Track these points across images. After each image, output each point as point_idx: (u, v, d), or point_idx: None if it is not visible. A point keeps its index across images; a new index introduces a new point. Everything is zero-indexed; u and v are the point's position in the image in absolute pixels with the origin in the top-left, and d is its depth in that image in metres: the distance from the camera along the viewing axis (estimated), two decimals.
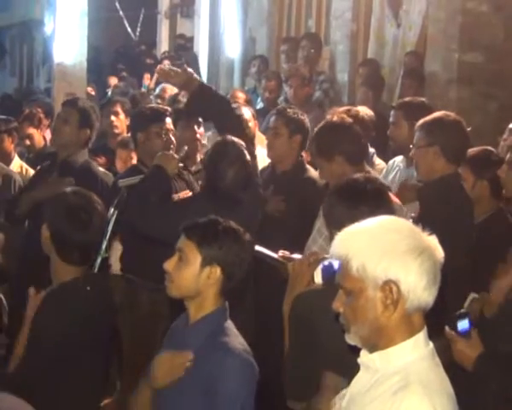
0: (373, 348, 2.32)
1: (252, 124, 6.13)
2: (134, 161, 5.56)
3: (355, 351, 2.41)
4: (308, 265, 3.32)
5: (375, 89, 7.59)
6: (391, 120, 5.32)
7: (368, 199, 3.10)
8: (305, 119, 5.30)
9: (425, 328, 2.32)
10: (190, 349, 3.09)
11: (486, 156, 4.44)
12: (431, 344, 2.35)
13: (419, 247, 2.25)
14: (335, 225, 3.10)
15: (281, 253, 4.45)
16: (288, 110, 5.29)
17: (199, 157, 5.73)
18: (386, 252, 2.23)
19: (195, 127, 5.67)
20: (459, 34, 7.00)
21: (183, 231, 3.18)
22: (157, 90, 8.11)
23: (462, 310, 3.17)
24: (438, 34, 7.24)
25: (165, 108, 5.46)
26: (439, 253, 2.30)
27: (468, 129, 4.66)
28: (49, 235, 3.58)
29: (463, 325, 3.11)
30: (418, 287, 2.23)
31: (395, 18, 8.45)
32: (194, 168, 5.56)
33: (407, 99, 5.53)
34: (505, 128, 5.38)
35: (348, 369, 2.62)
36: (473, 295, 3.77)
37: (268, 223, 4.90)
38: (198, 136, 5.73)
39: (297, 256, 4.28)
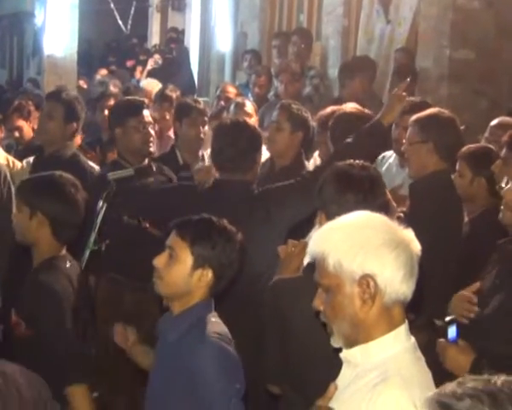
0: (353, 345, 2.32)
1: (254, 119, 6.14)
2: None
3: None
4: (298, 252, 3.32)
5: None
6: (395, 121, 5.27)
7: (356, 187, 3.08)
8: (309, 116, 5.28)
9: (406, 322, 2.33)
10: (171, 343, 3.06)
11: (486, 154, 4.44)
12: (412, 339, 2.35)
13: (394, 240, 2.26)
14: (321, 205, 3.11)
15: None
16: (293, 106, 5.26)
17: (201, 154, 5.74)
18: (362, 247, 2.24)
19: (200, 126, 5.65)
20: (450, 31, 7.00)
21: (174, 228, 3.12)
22: (141, 84, 8.08)
23: (450, 317, 3.15)
24: (429, 30, 7.24)
25: (142, 99, 5.37)
26: (416, 246, 2.31)
27: (462, 127, 4.67)
28: (46, 221, 3.58)
29: (452, 332, 3.11)
30: (395, 280, 2.24)
31: (385, 14, 8.44)
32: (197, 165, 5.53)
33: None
34: None
35: (320, 358, 2.63)
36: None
37: None
38: (202, 135, 5.71)
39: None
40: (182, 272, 3.06)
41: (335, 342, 2.34)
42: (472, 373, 2.93)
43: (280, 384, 3.29)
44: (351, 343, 2.33)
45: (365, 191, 3.09)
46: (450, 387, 1.49)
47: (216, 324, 3.09)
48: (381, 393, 2.18)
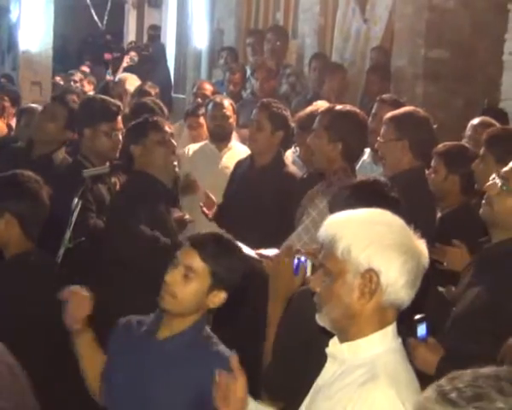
0: (342, 334, 2.33)
1: (232, 120, 6.14)
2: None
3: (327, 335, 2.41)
4: (284, 262, 3.26)
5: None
6: (373, 111, 5.29)
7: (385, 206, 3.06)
8: (289, 115, 5.29)
9: (395, 323, 2.34)
10: (171, 361, 2.99)
11: (462, 152, 4.49)
12: (400, 339, 2.36)
13: (405, 245, 2.27)
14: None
15: (259, 251, 4.46)
16: (273, 104, 5.26)
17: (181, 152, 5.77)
18: (373, 242, 2.24)
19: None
20: (426, 30, 7.04)
21: (193, 246, 3.01)
22: (116, 79, 8.00)
23: (420, 315, 3.17)
24: (404, 30, 7.27)
25: (118, 104, 5.20)
26: (425, 258, 2.31)
27: (435, 126, 4.72)
28: (15, 221, 3.60)
29: (422, 330, 3.11)
30: (397, 284, 2.24)
31: (361, 12, 8.47)
32: None
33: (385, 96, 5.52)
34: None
35: None
36: (440, 290, 3.79)
37: (246, 217, 4.90)
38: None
39: (272, 252, 4.26)
40: (198, 293, 2.98)
41: (321, 320, 2.34)
42: (437, 372, 2.98)
43: (280, 400, 3.28)
44: (337, 330, 2.34)
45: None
46: (447, 381, 1.48)
47: (216, 338, 3.06)
48: (370, 392, 2.18)
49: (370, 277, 2.24)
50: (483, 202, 3.40)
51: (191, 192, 5.87)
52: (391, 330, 2.32)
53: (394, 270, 2.23)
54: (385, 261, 2.23)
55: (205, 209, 5.28)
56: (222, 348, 3.01)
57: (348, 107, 4.53)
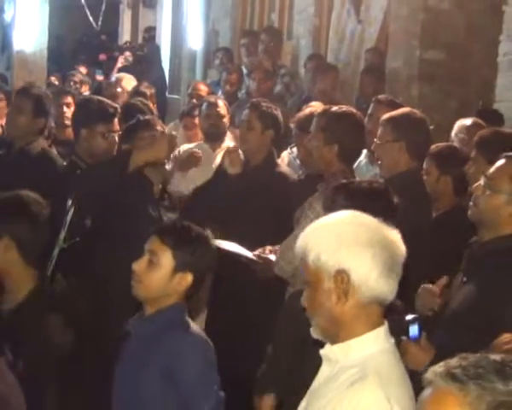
0: (334, 341, 2.35)
1: (226, 119, 6.15)
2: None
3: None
4: None
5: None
6: (369, 112, 5.30)
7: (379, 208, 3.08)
8: (279, 114, 5.30)
9: (386, 323, 2.35)
10: (145, 340, 3.10)
11: (453, 153, 4.51)
12: (392, 339, 2.38)
13: (374, 239, 2.29)
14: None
15: (256, 252, 4.46)
16: (262, 104, 5.27)
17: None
18: (340, 243, 2.28)
19: None
20: (421, 31, 7.05)
21: (156, 233, 3.17)
22: (112, 79, 7.99)
23: (412, 316, 3.18)
24: (399, 31, 7.28)
25: (115, 105, 5.22)
26: (399, 247, 2.34)
27: (431, 127, 4.73)
28: (13, 244, 3.47)
29: (414, 330, 3.13)
30: (370, 278, 2.27)
31: (356, 14, 8.48)
32: None
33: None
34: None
35: None
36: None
37: (240, 217, 4.90)
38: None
39: (272, 257, 4.30)
40: (162, 275, 3.12)
41: (314, 333, 2.38)
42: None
43: (269, 392, 3.28)
44: (329, 337, 2.36)
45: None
46: (455, 360, 1.56)
47: (194, 326, 3.16)
48: (357, 392, 2.21)
49: (342, 278, 2.27)
50: (470, 203, 3.43)
51: (193, 165, 5.93)
52: (383, 330, 2.34)
53: (364, 265, 2.27)
54: (353, 259, 2.27)
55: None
56: (196, 334, 3.12)
57: (344, 108, 4.53)
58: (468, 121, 5.23)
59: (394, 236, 2.34)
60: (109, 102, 5.32)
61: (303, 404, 2.46)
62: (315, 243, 2.31)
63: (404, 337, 3.10)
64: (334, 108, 4.46)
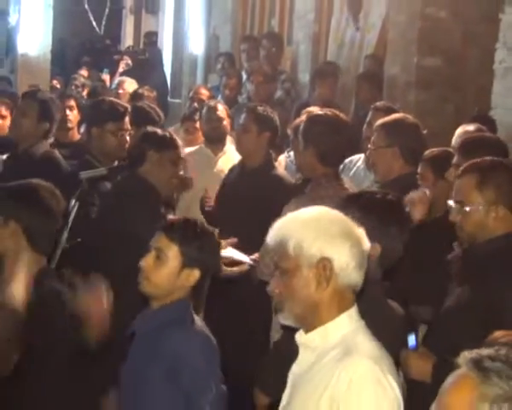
0: (308, 326, 2.48)
1: (226, 123, 6.23)
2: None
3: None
4: None
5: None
6: (367, 119, 5.36)
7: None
8: (275, 116, 5.37)
9: (355, 305, 2.50)
10: (149, 336, 3.13)
11: (448, 158, 4.54)
12: (363, 322, 2.51)
13: (349, 233, 2.46)
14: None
15: (253, 256, 4.52)
16: (258, 108, 5.35)
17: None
18: (321, 234, 2.43)
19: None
20: (418, 38, 7.13)
21: (162, 230, 3.20)
22: (114, 85, 8.06)
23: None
24: (397, 38, 7.36)
25: (126, 106, 5.37)
26: (366, 243, 2.51)
27: (424, 132, 4.80)
28: (20, 230, 3.44)
29: (411, 341, 3.18)
30: (349, 267, 2.43)
31: (355, 20, 8.56)
32: None
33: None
34: None
35: None
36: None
37: (235, 220, 4.97)
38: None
39: None
40: (170, 272, 3.15)
41: (284, 319, 2.51)
42: (434, 375, 3.06)
43: (271, 396, 3.36)
44: (302, 323, 2.49)
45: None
46: (486, 350, 1.63)
47: (199, 321, 3.19)
48: (350, 363, 2.34)
49: (324, 265, 2.41)
50: (457, 226, 3.47)
51: (186, 189, 5.95)
52: (354, 311, 2.49)
53: (344, 255, 2.42)
54: (335, 249, 2.42)
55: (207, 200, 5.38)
56: (200, 330, 3.14)
57: (325, 111, 4.58)
58: (470, 127, 5.24)
59: (362, 232, 2.51)
60: (120, 102, 5.48)
61: (286, 393, 2.56)
62: (294, 233, 2.44)
63: (403, 350, 3.17)
64: (315, 112, 4.54)
